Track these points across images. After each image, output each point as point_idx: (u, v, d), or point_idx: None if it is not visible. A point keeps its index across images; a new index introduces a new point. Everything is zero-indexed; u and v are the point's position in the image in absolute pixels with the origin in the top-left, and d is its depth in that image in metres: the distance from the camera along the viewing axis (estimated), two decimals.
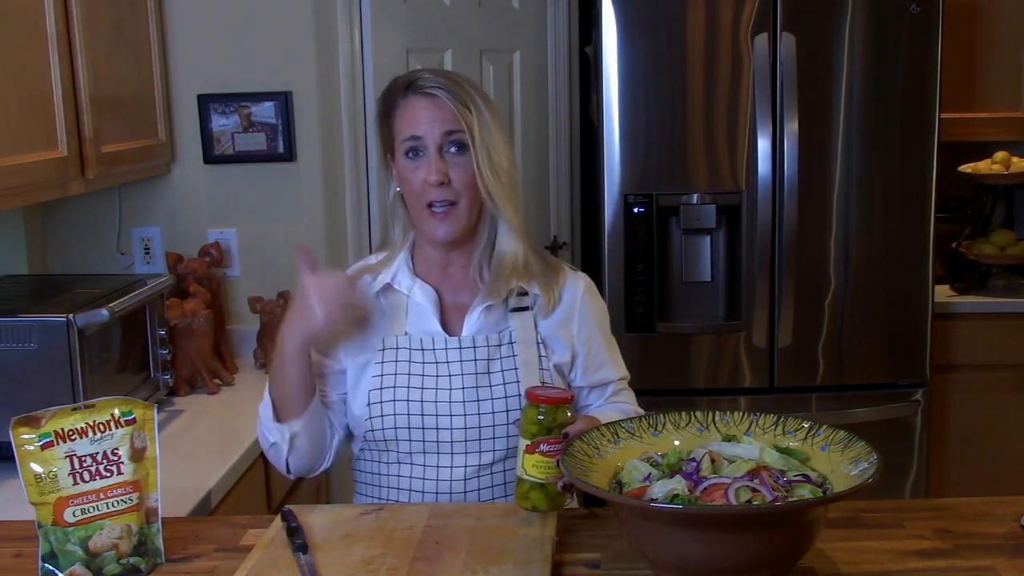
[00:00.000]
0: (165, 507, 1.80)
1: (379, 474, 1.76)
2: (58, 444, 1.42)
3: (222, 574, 1.42)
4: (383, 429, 1.70)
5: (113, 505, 1.45)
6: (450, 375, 1.71)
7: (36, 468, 1.41)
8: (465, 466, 1.71)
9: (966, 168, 3.52)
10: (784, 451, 1.41)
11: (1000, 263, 3.45)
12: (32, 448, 1.41)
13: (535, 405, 1.51)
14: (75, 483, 1.43)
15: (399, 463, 1.73)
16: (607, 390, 1.84)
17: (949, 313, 3.31)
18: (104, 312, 2.06)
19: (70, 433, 1.43)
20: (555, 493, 1.51)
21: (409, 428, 1.70)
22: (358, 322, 1.70)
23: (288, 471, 1.76)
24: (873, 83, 3.02)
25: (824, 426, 1.44)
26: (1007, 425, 3.37)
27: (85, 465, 1.43)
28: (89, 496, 1.43)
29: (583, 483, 1.31)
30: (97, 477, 1.44)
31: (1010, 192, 3.61)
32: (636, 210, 3.04)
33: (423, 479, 1.72)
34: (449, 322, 1.76)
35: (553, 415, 1.51)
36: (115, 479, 1.45)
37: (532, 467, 1.51)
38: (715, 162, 3.04)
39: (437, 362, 1.72)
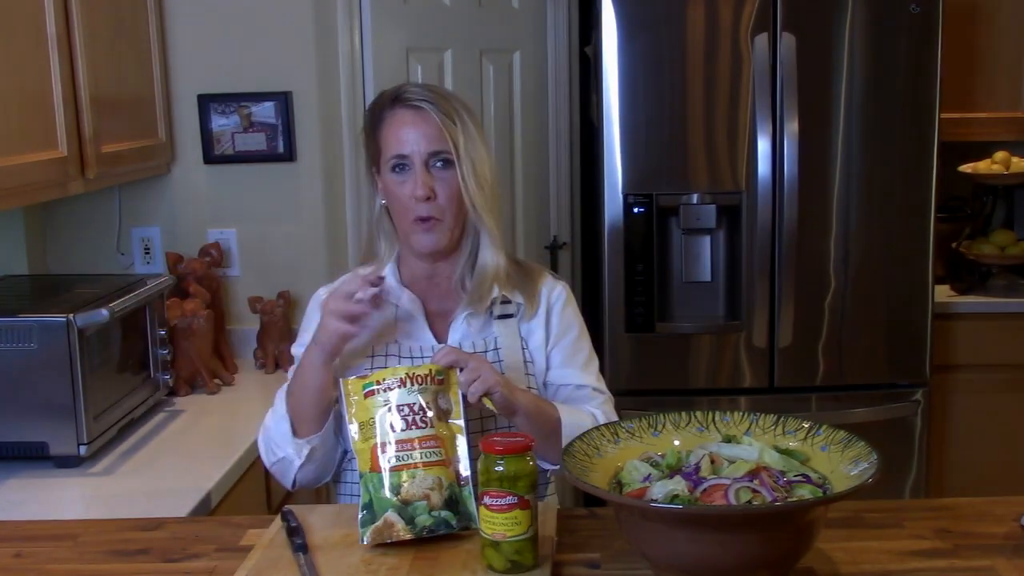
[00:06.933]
0: (165, 507, 1.80)
1: None
2: (378, 394, 1.49)
3: (222, 574, 1.42)
4: None
5: (425, 456, 1.47)
6: None
7: (360, 415, 1.49)
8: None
9: (966, 168, 3.51)
10: (784, 451, 1.41)
11: (1000, 263, 3.45)
12: (356, 398, 1.50)
13: (487, 455, 1.36)
14: (392, 430, 1.48)
15: None
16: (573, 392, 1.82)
17: (949, 313, 3.31)
18: (104, 312, 2.05)
19: (389, 384, 1.50)
20: (511, 552, 1.35)
21: None
22: (353, 319, 1.64)
23: (293, 485, 1.76)
24: (873, 83, 3.01)
25: (824, 426, 1.44)
26: (1007, 425, 3.36)
27: (402, 414, 1.48)
28: (404, 444, 1.47)
29: (583, 483, 1.31)
30: (413, 427, 1.48)
31: (1010, 192, 3.60)
32: (636, 210, 3.04)
33: None
34: (435, 330, 1.77)
35: (491, 464, 1.35)
36: (427, 431, 1.49)
37: (483, 522, 1.37)
38: (715, 162, 3.04)
39: None
